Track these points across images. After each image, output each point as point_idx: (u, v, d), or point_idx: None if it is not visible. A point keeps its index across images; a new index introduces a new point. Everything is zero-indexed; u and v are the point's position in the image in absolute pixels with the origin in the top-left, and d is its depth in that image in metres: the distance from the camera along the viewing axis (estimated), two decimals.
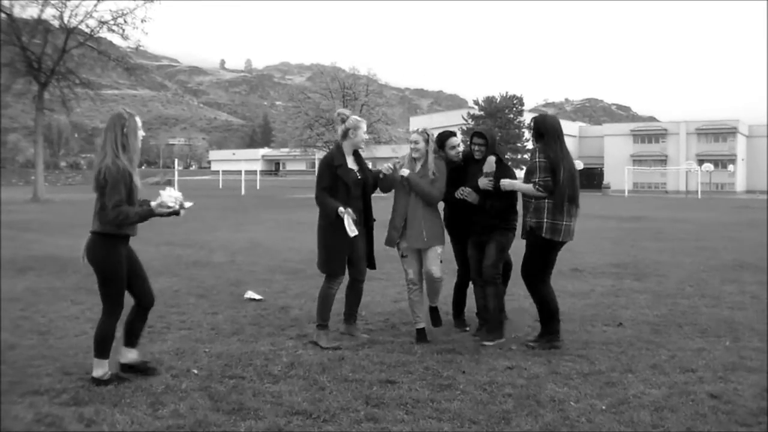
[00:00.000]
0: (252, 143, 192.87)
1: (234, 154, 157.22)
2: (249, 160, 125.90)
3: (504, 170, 7.27)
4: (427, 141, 7.28)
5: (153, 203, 5.65)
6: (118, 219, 5.50)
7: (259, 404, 5.12)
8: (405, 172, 7.20)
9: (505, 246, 7.29)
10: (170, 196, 5.67)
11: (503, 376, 5.88)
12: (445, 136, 7.66)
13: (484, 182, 7.17)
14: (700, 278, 11.65)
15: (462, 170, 7.47)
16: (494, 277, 7.21)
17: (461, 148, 7.69)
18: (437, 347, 6.86)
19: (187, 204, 5.71)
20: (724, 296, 9.83)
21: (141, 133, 5.81)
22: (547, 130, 6.77)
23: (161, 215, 5.65)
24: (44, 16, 41.93)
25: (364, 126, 7.33)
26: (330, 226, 7.03)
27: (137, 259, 5.96)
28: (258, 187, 73.77)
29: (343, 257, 7.19)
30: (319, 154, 70.30)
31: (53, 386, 5.51)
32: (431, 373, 5.98)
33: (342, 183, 7.11)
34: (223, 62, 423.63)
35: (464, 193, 7.18)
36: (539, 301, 6.96)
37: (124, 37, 43.15)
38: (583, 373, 5.99)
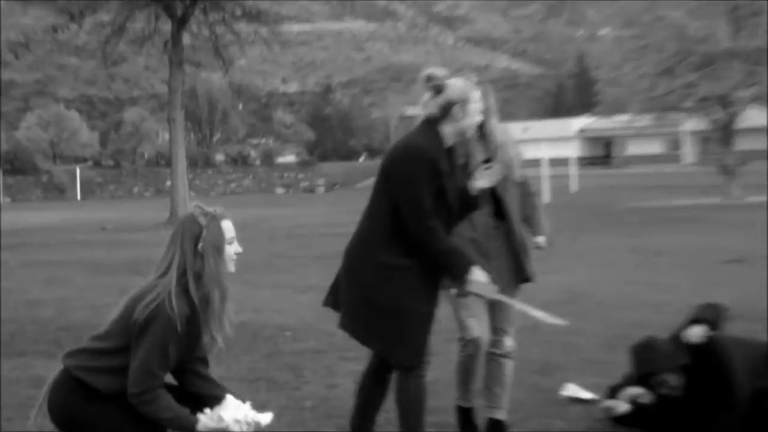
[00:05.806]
0: (558, 108, 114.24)
1: (526, 129, 79.70)
2: (554, 140, 69.31)
3: None
4: None
5: (203, 426, 3.33)
6: (141, 403, 3.33)
7: None
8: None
9: None
10: (241, 419, 3.37)
11: None
12: None
13: None
14: None
15: None
16: None
17: None
18: None
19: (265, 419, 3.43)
20: None
21: (235, 248, 3.64)
22: None
23: None
24: None
25: (475, 95, 4.19)
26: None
27: None
28: (575, 188, 44.00)
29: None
30: (688, 125, 45.59)
31: None
32: None
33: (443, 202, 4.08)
34: None
35: None
36: None
37: None
38: None
